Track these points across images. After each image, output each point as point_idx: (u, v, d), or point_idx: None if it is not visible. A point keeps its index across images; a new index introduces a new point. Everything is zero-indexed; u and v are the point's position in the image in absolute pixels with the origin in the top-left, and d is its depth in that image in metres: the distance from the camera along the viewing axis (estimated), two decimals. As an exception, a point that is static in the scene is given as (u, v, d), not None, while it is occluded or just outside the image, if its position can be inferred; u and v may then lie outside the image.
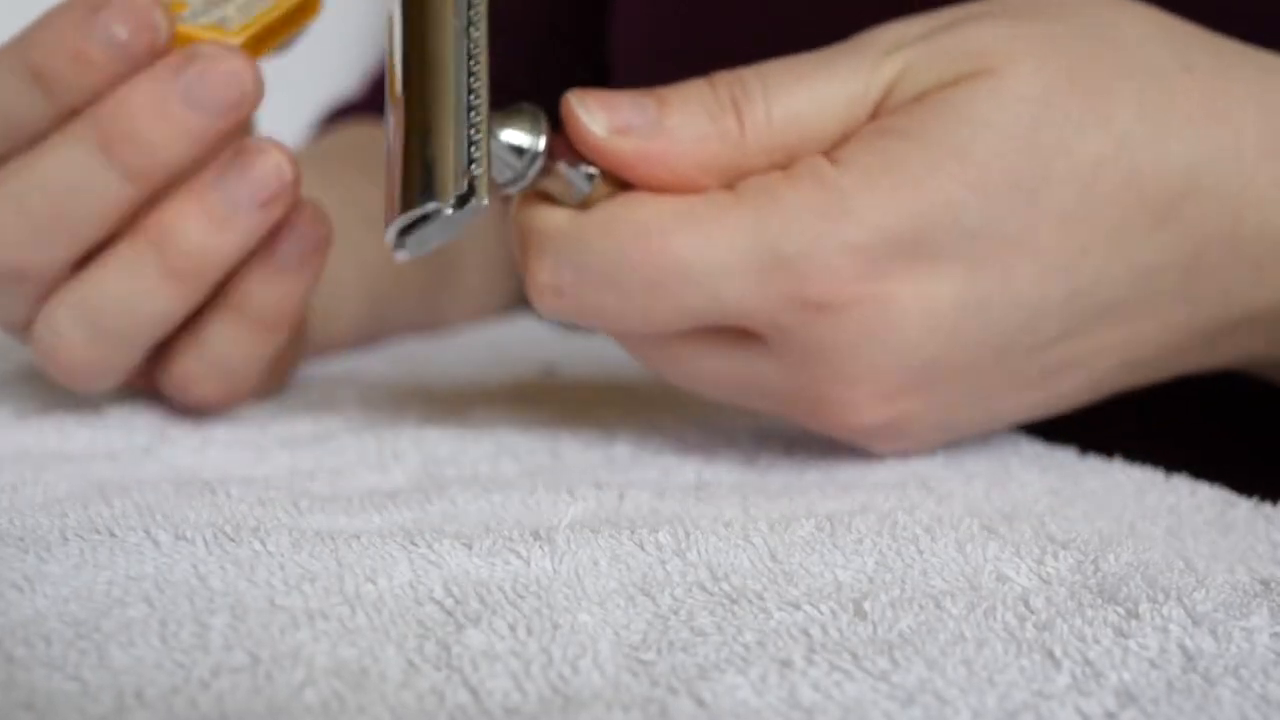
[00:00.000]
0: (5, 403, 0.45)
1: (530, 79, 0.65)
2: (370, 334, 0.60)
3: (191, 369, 0.43)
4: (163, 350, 0.43)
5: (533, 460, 0.40)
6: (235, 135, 0.40)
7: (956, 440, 0.40)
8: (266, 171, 0.40)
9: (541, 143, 0.36)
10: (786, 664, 0.26)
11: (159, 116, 0.38)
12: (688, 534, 0.32)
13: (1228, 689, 0.26)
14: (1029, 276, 0.34)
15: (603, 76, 0.65)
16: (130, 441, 0.42)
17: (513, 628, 0.27)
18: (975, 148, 0.34)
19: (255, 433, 0.43)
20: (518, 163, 0.37)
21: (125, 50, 0.38)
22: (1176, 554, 0.32)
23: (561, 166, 0.37)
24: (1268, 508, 0.36)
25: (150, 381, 0.44)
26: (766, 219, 0.34)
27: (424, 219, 0.36)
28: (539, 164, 0.36)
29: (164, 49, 0.39)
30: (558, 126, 0.37)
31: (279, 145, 0.40)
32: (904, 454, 0.40)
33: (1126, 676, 0.26)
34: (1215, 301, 0.36)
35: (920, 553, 0.32)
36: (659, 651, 0.27)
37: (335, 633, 0.27)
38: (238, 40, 0.40)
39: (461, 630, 0.27)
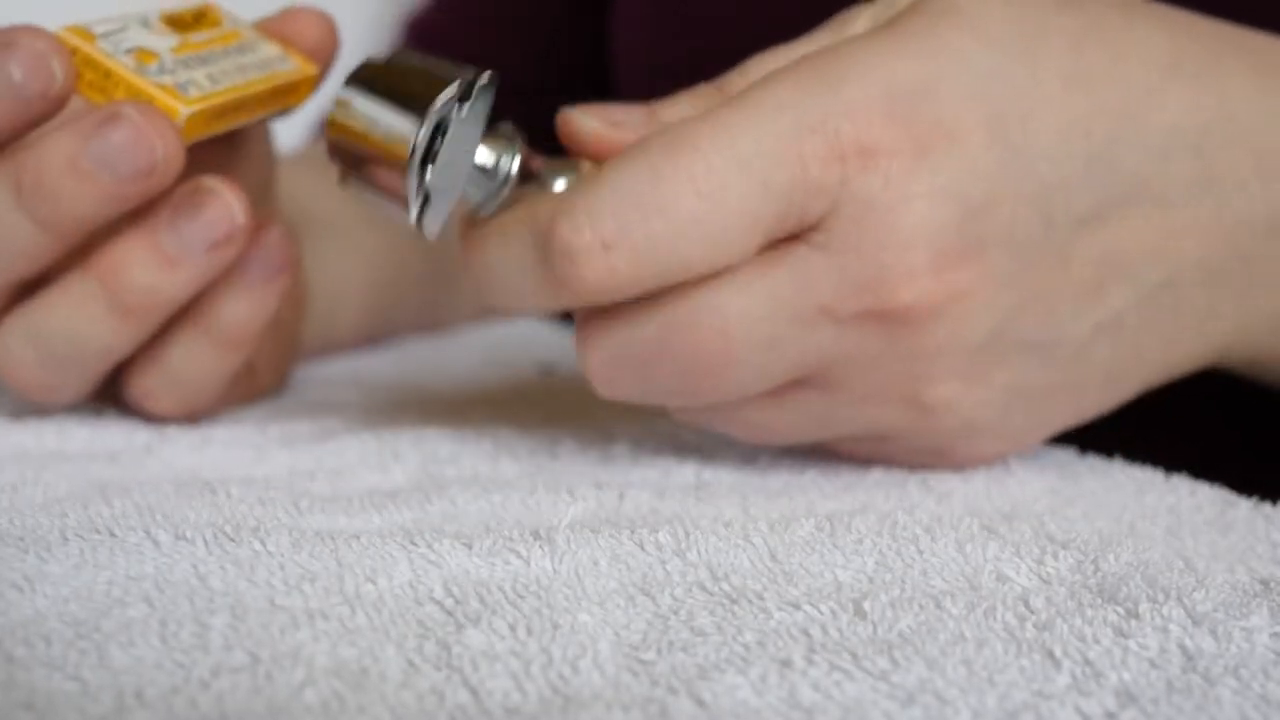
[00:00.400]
0: (5, 403, 0.45)
1: (531, 81, 0.65)
2: (371, 334, 0.60)
3: (151, 384, 0.43)
4: (124, 363, 0.43)
5: (532, 460, 0.40)
6: (169, 190, 0.40)
7: (1032, 408, 0.38)
8: (218, 215, 0.40)
9: (516, 163, 0.37)
10: (786, 664, 0.26)
11: (68, 169, 0.37)
12: (688, 534, 0.32)
13: (1228, 689, 0.26)
14: (1049, 130, 0.35)
15: (603, 81, 0.65)
16: (130, 441, 0.42)
17: (513, 628, 0.27)
18: (965, 8, 0.35)
19: (255, 432, 0.43)
20: (491, 182, 0.37)
21: (20, 92, 0.37)
22: (1176, 554, 0.32)
23: (540, 178, 0.37)
24: (1268, 508, 0.36)
25: (113, 394, 0.44)
26: (782, 97, 0.34)
27: (437, 142, 0.35)
28: (512, 184, 0.37)
29: (59, 98, 0.37)
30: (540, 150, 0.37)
31: (232, 187, 0.40)
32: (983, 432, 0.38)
33: (1126, 676, 0.26)
34: (1235, 192, 0.37)
35: (920, 553, 0.32)
36: (659, 651, 0.27)
37: (335, 633, 0.27)
38: (189, 108, 0.38)
39: (461, 630, 0.27)
